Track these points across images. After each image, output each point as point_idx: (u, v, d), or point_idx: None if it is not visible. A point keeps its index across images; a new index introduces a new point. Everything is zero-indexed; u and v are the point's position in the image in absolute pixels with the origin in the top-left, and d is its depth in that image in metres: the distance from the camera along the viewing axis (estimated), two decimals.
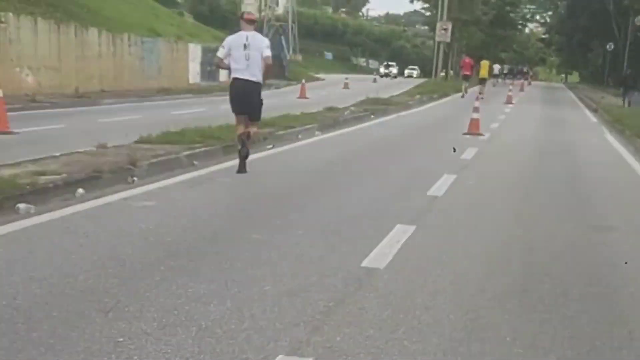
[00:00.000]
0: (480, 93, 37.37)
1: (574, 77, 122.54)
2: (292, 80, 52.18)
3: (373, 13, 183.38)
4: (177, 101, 27.89)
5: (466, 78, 42.00)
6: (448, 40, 49.52)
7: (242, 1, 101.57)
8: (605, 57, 70.91)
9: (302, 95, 31.76)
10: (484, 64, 44.77)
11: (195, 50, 35.90)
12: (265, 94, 11.05)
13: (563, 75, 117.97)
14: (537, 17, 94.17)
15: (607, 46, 62.18)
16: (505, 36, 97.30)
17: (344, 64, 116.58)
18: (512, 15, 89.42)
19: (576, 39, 73.83)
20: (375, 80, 61.84)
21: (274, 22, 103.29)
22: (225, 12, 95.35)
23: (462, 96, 39.09)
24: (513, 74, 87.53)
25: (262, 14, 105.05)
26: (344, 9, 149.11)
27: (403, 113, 24.65)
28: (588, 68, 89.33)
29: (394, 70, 75.11)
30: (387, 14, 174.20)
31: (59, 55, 26.15)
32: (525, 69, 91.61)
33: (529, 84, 72.93)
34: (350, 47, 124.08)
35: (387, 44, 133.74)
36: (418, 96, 33.14)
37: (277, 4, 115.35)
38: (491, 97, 38.96)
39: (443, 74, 64.63)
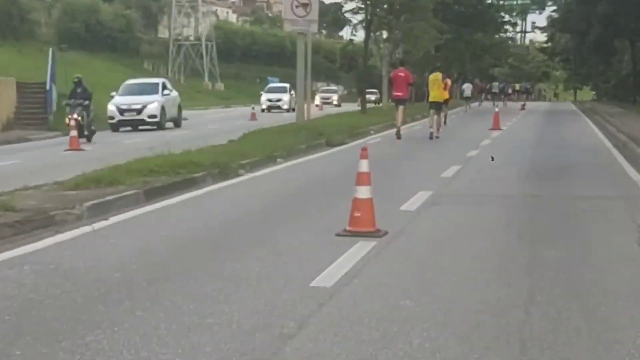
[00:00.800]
0: (431, 127, 23.29)
1: (585, 93, 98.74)
2: (52, 131, 26.84)
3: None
4: None
5: (400, 102, 24.13)
6: (313, 29, 24.02)
7: (133, 18, 76.62)
8: (638, 62, 45.32)
9: None
10: (434, 78, 25.19)
11: None
12: None
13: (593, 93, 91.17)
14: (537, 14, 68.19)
15: None
16: (492, 45, 72.19)
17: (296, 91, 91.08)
18: (500, 11, 63.60)
19: (591, 37, 48.07)
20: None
21: (184, 41, 77.85)
22: (111, 31, 70.15)
23: (398, 136, 22.98)
24: (505, 94, 63.20)
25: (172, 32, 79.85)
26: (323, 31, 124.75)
27: None
28: (609, 80, 63.55)
29: (285, 98, 42.51)
30: None
31: None
32: (517, 87, 66.30)
33: (522, 108, 48.10)
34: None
35: (355, 65, 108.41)
36: None
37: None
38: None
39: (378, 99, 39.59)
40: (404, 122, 26.02)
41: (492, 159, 15.48)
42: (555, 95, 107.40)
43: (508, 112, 44.39)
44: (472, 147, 19.09)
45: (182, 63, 76.06)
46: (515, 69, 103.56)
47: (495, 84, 70.24)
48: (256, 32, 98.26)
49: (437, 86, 24.85)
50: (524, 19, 74.24)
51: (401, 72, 24.43)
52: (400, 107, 23.45)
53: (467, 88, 48.77)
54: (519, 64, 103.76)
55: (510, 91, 66.62)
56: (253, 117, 36.52)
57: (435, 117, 23.87)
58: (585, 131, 26.62)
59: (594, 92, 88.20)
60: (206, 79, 75.75)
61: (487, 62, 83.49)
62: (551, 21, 62.86)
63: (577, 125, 30.78)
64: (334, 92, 65.87)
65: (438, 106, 24.36)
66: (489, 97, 65.10)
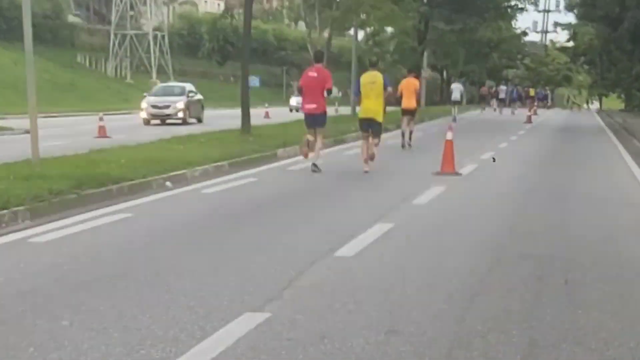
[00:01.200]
0: (365, 160, 14.47)
1: (612, 101, 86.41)
2: None
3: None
4: None
5: (313, 120, 14.55)
6: None
7: (61, 2, 64.34)
8: None
9: None
10: (369, 81, 14.64)
11: None
12: None
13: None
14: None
15: None
16: (500, 41, 59.66)
17: (279, 93, 78.52)
18: None
19: (626, 27, 35.13)
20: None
21: (129, 31, 65.11)
22: (32, 17, 57.98)
23: (314, 169, 14.14)
24: (512, 99, 51.96)
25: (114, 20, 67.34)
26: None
27: None
28: None
29: None
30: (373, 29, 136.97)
31: None
32: (531, 92, 53.80)
33: (528, 120, 36.26)
34: (287, 68, 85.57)
35: (350, 63, 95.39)
36: None
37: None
38: None
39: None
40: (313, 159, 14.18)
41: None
42: (588, 102, 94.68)
43: (508, 126, 32.24)
44: (349, 234, 6.51)
45: (125, 56, 63.65)
46: (533, 72, 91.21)
47: (503, 87, 57.84)
48: (234, 24, 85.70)
49: (374, 94, 14.72)
50: (534, 3, 61.43)
51: (313, 72, 14.51)
52: (319, 129, 14.49)
53: (457, 89, 36.96)
54: (536, 65, 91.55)
55: (528, 93, 54.61)
56: (102, 132, 23.74)
57: (373, 139, 14.47)
58: (620, 187, 13.04)
59: (622, 99, 75.34)
60: (154, 76, 63.23)
61: (496, 61, 71.26)
62: (570, 4, 49.32)
63: (604, 164, 17.46)
64: (180, 95, 32.73)
65: (373, 125, 14.59)
66: (491, 103, 53.42)
